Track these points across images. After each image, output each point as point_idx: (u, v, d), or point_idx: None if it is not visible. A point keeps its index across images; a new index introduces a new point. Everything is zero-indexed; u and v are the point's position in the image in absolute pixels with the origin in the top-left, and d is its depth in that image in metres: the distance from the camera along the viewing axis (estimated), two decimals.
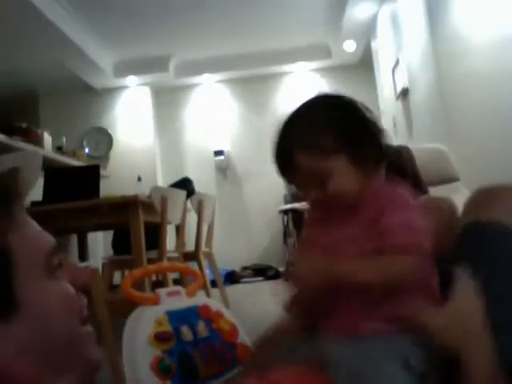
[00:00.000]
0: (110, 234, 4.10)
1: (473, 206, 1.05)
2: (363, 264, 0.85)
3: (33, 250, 0.65)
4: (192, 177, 4.85)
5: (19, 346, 0.60)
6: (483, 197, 1.04)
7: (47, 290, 0.64)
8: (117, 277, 3.56)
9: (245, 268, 6.20)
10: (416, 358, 0.82)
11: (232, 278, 5.75)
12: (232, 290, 4.52)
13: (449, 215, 1.20)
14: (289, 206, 5.53)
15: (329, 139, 0.88)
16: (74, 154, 5.16)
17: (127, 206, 2.65)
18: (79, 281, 0.71)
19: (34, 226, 0.69)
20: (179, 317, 1.01)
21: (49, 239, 0.69)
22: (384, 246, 0.84)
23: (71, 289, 0.68)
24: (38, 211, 2.55)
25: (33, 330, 0.61)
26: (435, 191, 2.61)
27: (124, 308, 1.10)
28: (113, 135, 6.55)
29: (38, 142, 4.25)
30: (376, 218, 0.87)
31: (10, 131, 3.68)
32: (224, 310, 1.10)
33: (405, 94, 4.52)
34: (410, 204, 0.88)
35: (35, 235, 0.68)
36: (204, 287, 3.55)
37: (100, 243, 4.36)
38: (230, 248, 6.17)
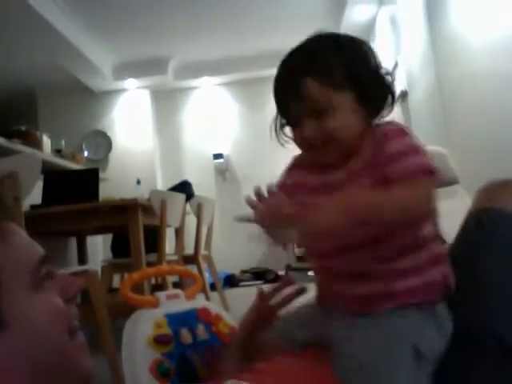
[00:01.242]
0: (109, 237, 4.10)
1: (482, 195, 1.05)
2: (376, 194, 0.80)
3: (19, 264, 0.64)
4: (191, 180, 4.84)
5: (8, 363, 0.59)
6: (493, 187, 1.04)
7: (34, 305, 0.63)
8: (116, 280, 3.56)
9: (244, 271, 6.19)
10: (427, 345, 0.80)
11: (231, 281, 5.74)
12: (231, 294, 4.51)
13: None
14: None
15: (341, 72, 0.86)
16: (73, 157, 5.16)
17: (126, 209, 2.65)
18: (69, 291, 0.70)
19: (22, 236, 0.68)
20: (179, 320, 1.01)
21: (36, 250, 0.67)
22: (391, 173, 0.81)
23: (59, 301, 0.67)
24: (37, 214, 2.55)
25: (21, 347, 0.60)
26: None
27: (123, 311, 1.10)
28: (112, 138, 6.54)
29: (37, 144, 4.24)
30: (377, 149, 0.84)
31: (9, 134, 3.68)
32: (223, 314, 1.10)
33: (404, 96, 4.52)
34: (408, 132, 0.86)
35: (22, 248, 0.66)
36: (203, 290, 3.54)
37: (99, 246, 4.35)
38: (230, 251, 6.15)
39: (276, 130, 0.95)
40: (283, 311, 1.00)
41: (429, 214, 0.83)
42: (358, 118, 0.87)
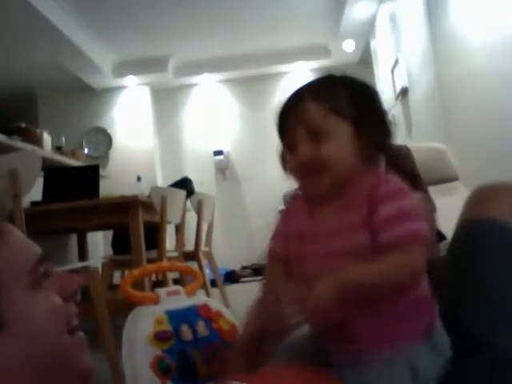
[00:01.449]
0: (109, 233, 4.10)
1: (473, 202, 1.04)
2: (369, 266, 0.80)
3: (17, 264, 0.63)
4: (191, 177, 4.85)
5: (8, 363, 0.59)
6: (484, 194, 1.03)
7: (34, 304, 0.63)
8: (116, 276, 3.57)
9: (244, 267, 6.20)
10: (426, 370, 0.82)
11: (232, 277, 5.75)
12: (232, 290, 4.52)
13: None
14: None
15: (344, 102, 0.86)
16: (73, 154, 5.16)
17: (127, 205, 2.65)
18: (68, 290, 0.70)
19: (18, 236, 0.67)
20: (179, 316, 1.01)
21: (34, 250, 0.67)
22: (383, 238, 0.80)
23: (58, 300, 0.67)
24: (37, 211, 2.55)
25: (21, 346, 0.60)
26: (434, 191, 2.61)
27: (124, 307, 1.10)
28: (112, 135, 6.54)
29: (38, 141, 4.24)
30: (374, 206, 0.83)
31: (9, 131, 3.68)
32: (224, 310, 1.10)
33: (404, 93, 4.52)
34: (405, 192, 0.84)
35: (19, 248, 0.66)
36: (204, 287, 3.55)
37: (100, 243, 4.36)
38: (230, 247, 6.17)
39: (283, 160, 0.95)
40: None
41: (421, 276, 0.83)
42: (354, 153, 0.86)
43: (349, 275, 0.79)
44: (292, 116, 0.88)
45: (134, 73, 6.32)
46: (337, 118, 0.85)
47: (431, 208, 1.50)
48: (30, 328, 0.62)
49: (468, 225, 1.02)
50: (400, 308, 0.83)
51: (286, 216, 0.98)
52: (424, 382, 0.81)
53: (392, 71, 4.90)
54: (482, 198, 1.03)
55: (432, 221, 1.23)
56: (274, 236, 0.98)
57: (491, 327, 0.88)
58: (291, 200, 0.99)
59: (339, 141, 0.85)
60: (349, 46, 6.09)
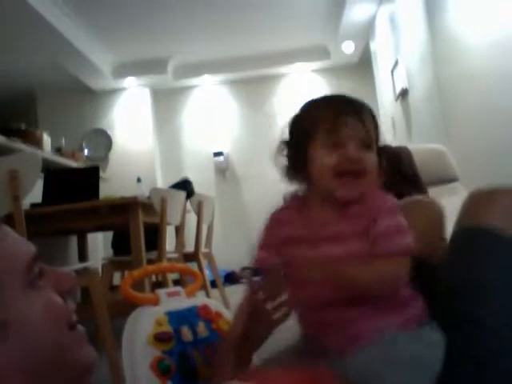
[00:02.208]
0: (109, 235, 4.10)
1: (469, 208, 1.05)
2: (362, 267, 0.89)
3: (13, 264, 0.63)
4: (191, 178, 4.86)
5: (9, 363, 0.59)
6: (480, 199, 1.04)
7: (32, 303, 0.63)
8: (117, 278, 3.57)
9: (244, 268, 6.20)
10: (420, 360, 0.86)
11: (232, 278, 5.75)
12: (232, 291, 4.51)
13: (437, 218, 1.23)
14: None
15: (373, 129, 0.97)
16: (73, 156, 5.17)
17: (127, 207, 2.65)
18: (64, 286, 0.70)
19: (12, 235, 0.67)
20: (179, 317, 1.01)
21: (28, 248, 0.67)
22: (378, 249, 0.89)
23: (56, 297, 0.67)
24: (37, 213, 2.55)
25: (21, 346, 0.60)
26: (434, 191, 2.61)
27: (124, 309, 1.10)
28: (112, 137, 6.54)
29: (38, 143, 4.25)
30: (374, 219, 0.91)
31: (9, 133, 3.68)
32: (224, 311, 1.10)
33: (404, 94, 4.52)
34: (398, 209, 0.94)
35: (14, 247, 0.65)
36: (204, 288, 3.56)
37: (100, 244, 4.36)
38: (230, 248, 6.16)
39: (293, 153, 0.99)
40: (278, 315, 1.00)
41: (403, 282, 0.91)
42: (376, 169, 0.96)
43: (343, 267, 0.88)
44: (352, 118, 0.93)
45: (134, 74, 6.32)
46: (375, 137, 0.96)
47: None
48: (30, 327, 0.62)
49: (464, 232, 1.03)
50: (384, 301, 0.91)
51: (274, 224, 1.03)
52: (414, 370, 0.85)
53: (392, 72, 4.90)
54: (478, 203, 1.04)
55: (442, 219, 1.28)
56: (261, 245, 1.04)
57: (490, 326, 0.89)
58: (278, 209, 1.04)
59: (374, 156, 0.94)
60: (348, 47, 6.09)
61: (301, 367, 0.84)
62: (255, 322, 0.94)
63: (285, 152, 1.00)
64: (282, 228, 1.00)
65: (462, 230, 1.04)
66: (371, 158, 0.93)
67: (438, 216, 1.25)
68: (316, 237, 0.94)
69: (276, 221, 1.03)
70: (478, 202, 1.04)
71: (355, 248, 0.91)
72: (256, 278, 0.96)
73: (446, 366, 0.87)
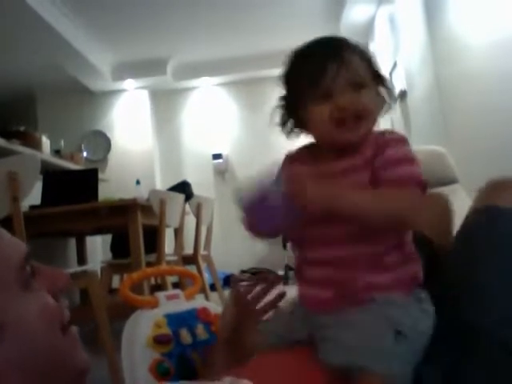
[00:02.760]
0: (108, 237, 4.09)
1: (483, 193, 1.07)
2: (365, 196, 0.86)
3: (7, 266, 0.62)
4: (190, 180, 4.84)
5: (5, 365, 0.58)
6: (493, 185, 1.06)
7: (25, 304, 0.62)
8: (116, 280, 3.56)
9: (243, 272, 6.19)
10: (409, 326, 0.83)
11: (229, 281, 5.75)
12: None
13: (445, 208, 1.23)
14: None
15: (371, 60, 0.95)
16: (72, 158, 5.17)
17: (126, 209, 2.64)
18: (57, 286, 0.69)
19: (3, 236, 0.66)
20: (178, 320, 1.01)
21: (20, 249, 0.66)
22: (387, 175, 0.86)
23: (49, 299, 0.66)
24: (36, 215, 2.55)
25: (17, 348, 0.60)
26: None
27: (123, 311, 1.10)
28: (111, 138, 6.54)
29: (37, 145, 4.24)
30: (378, 152, 0.89)
31: (8, 135, 3.68)
32: None
33: (403, 96, 4.52)
34: (407, 141, 0.92)
35: (7, 247, 0.65)
36: (203, 290, 3.55)
37: (99, 247, 4.35)
38: (229, 251, 6.16)
39: (286, 117, 0.99)
40: (266, 315, 1.01)
41: (411, 221, 0.88)
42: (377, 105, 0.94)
43: (345, 192, 0.85)
44: (331, 65, 0.89)
45: (133, 76, 6.32)
46: (370, 70, 0.93)
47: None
48: (26, 329, 0.61)
49: (472, 213, 1.04)
50: (385, 253, 0.88)
51: (285, 163, 1.02)
52: (408, 334, 0.83)
53: (390, 74, 4.90)
54: (491, 189, 1.06)
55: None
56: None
57: (488, 314, 0.88)
58: (287, 164, 1.01)
59: (372, 92, 0.92)
60: None
61: (291, 353, 0.85)
62: (244, 313, 0.96)
63: (285, 115, 1.00)
64: (292, 164, 1.00)
65: (470, 210, 1.05)
66: (367, 96, 0.89)
67: (446, 208, 1.25)
68: (325, 172, 0.92)
69: (287, 159, 1.02)
70: (490, 189, 1.06)
71: (364, 179, 0.88)
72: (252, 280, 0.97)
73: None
